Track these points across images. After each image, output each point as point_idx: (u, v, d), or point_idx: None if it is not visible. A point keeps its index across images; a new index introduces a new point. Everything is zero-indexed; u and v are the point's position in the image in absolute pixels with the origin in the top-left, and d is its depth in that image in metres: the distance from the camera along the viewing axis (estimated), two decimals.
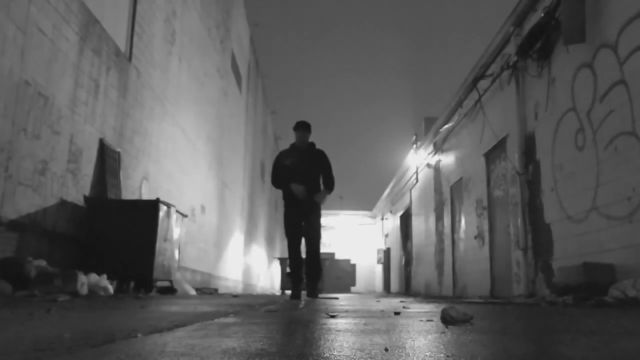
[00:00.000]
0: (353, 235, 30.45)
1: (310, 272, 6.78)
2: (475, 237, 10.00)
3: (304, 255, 7.00)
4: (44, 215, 5.57)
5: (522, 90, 7.75)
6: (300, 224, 6.83)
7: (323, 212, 7.06)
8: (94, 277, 5.49)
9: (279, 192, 7.34)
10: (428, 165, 14.51)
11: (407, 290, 18.04)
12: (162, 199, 6.97)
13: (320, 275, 6.91)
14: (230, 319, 2.35)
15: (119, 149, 7.53)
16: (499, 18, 8.58)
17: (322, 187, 6.94)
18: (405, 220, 18.87)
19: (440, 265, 13.08)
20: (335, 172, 7.04)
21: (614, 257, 5.20)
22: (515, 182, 7.86)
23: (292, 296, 6.72)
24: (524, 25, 7.64)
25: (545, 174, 6.93)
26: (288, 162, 6.93)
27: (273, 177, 7.14)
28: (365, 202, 30.35)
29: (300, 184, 6.71)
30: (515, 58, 7.74)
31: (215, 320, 2.25)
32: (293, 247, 6.90)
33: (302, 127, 7.11)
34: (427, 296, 12.32)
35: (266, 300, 4.20)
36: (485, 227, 9.41)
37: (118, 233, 6.27)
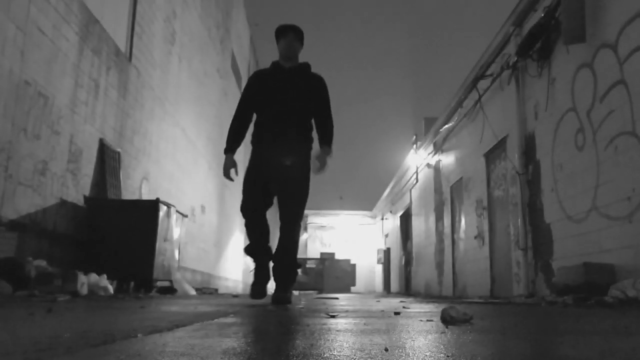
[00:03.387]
0: (353, 235, 30.44)
1: (280, 271, 4.26)
2: (475, 237, 10.00)
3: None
4: (44, 215, 5.57)
5: (522, 90, 7.75)
6: (267, 191, 4.26)
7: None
8: (94, 277, 5.49)
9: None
10: (428, 165, 14.51)
11: (407, 290, 18.04)
12: (162, 199, 6.97)
13: (295, 276, 4.35)
14: (230, 319, 2.35)
15: (119, 149, 7.54)
16: (499, 18, 8.58)
17: (313, 133, 4.40)
18: (405, 220, 18.86)
19: (440, 265, 13.08)
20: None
21: (614, 257, 5.20)
22: (515, 182, 7.86)
23: (253, 292, 4.22)
24: (524, 25, 7.64)
25: (545, 174, 6.93)
26: (265, 91, 4.33)
27: (235, 118, 4.42)
28: (365, 202, 30.24)
29: (280, 129, 4.21)
30: (515, 58, 7.74)
31: (215, 320, 2.25)
32: (254, 220, 4.28)
33: (291, 32, 4.34)
34: (427, 296, 12.33)
35: (266, 300, 4.20)
36: (485, 227, 9.41)
37: (118, 233, 6.27)
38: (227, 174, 4.41)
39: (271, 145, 4.23)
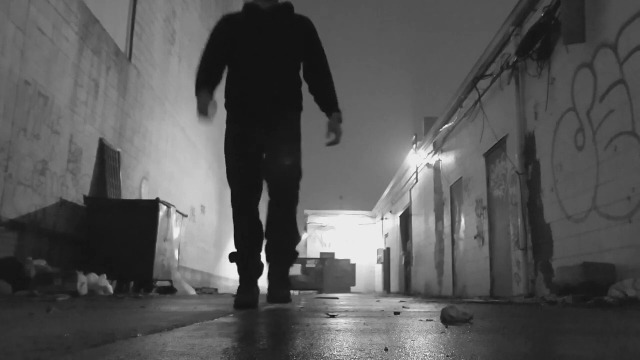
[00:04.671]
0: (353, 235, 30.43)
1: (275, 247, 3.44)
2: (475, 237, 10.00)
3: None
4: (44, 215, 5.57)
5: (522, 90, 7.74)
6: (258, 158, 3.39)
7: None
8: (94, 277, 5.50)
9: None
10: (428, 165, 14.51)
11: (407, 290, 18.04)
12: (162, 199, 6.97)
13: (295, 255, 3.58)
14: (230, 319, 2.35)
15: (119, 149, 7.54)
16: (499, 18, 8.59)
17: (301, 88, 3.51)
18: (405, 220, 18.86)
19: (440, 265, 13.08)
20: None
21: (614, 257, 5.20)
22: (515, 182, 7.86)
23: (239, 302, 3.23)
24: (524, 25, 7.64)
25: (545, 174, 6.93)
26: (238, 39, 3.42)
27: (199, 72, 3.45)
28: (365, 202, 30.30)
29: (262, 90, 3.35)
30: (515, 58, 7.74)
31: (215, 320, 2.25)
32: (243, 204, 3.41)
33: None
34: (427, 296, 12.32)
35: (266, 300, 4.19)
36: (485, 227, 9.40)
37: (118, 233, 6.27)
38: (203, 111, 3.30)
39: (253, 115, 3.37)
